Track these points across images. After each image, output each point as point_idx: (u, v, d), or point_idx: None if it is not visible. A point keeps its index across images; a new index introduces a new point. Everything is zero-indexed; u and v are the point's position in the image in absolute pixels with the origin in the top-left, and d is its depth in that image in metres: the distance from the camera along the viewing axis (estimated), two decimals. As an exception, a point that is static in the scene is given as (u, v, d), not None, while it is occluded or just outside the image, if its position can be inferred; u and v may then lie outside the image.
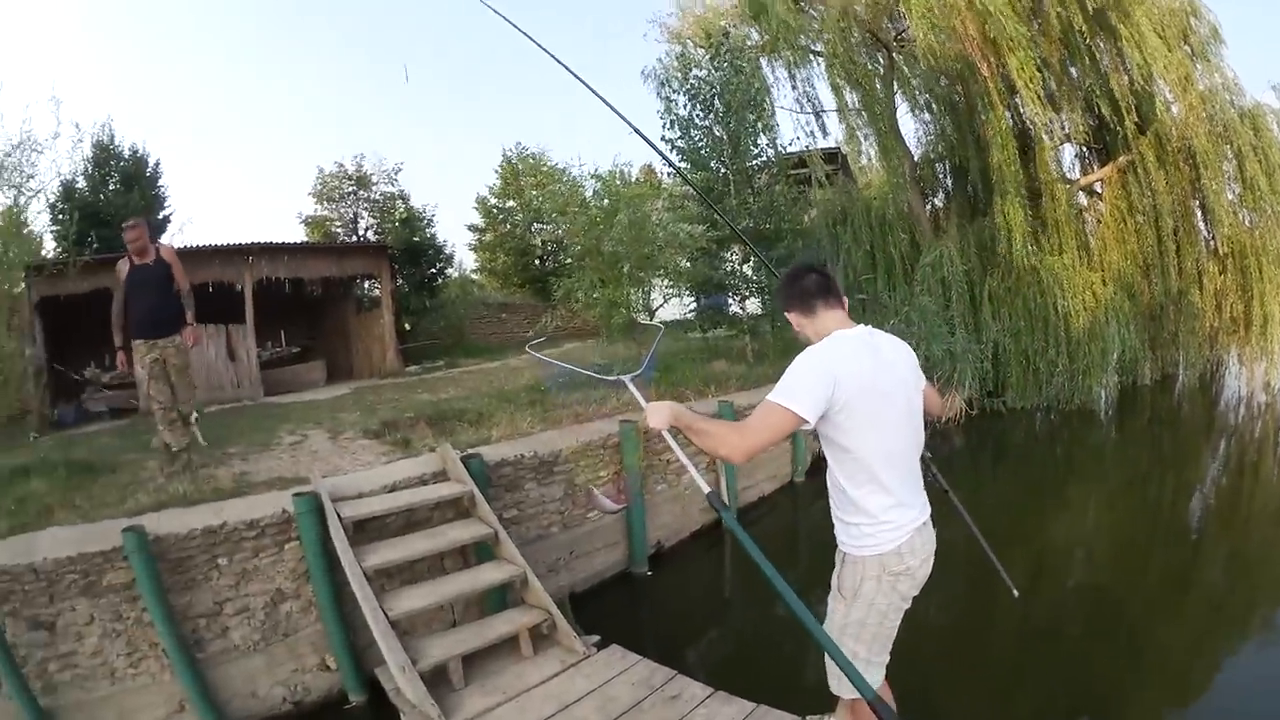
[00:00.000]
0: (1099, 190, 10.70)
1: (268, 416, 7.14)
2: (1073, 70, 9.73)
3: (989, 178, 9.85)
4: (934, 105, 10.77)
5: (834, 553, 1.84)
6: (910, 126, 12.06)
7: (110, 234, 10.81)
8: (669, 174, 11.49)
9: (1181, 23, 9.35)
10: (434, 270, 16.20)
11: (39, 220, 9.10)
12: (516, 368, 10.14)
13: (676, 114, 8.82)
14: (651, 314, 9.47)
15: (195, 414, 4.72)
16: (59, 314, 8.80)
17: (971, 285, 9.70)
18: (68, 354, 9.22)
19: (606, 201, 7.86)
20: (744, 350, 9.03)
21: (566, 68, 2.96)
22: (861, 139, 11.48)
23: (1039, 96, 9.05)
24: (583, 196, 8.19)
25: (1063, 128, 10.12)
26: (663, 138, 8.94)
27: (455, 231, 51.88)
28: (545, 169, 16.67)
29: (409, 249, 15.02)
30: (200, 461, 4.73)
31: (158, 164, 13.55)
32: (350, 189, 16.43)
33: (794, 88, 11.78)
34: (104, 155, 12.58)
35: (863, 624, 1.75)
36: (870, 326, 1.84)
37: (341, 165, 16.34)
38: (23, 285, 8.08)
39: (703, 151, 8.79)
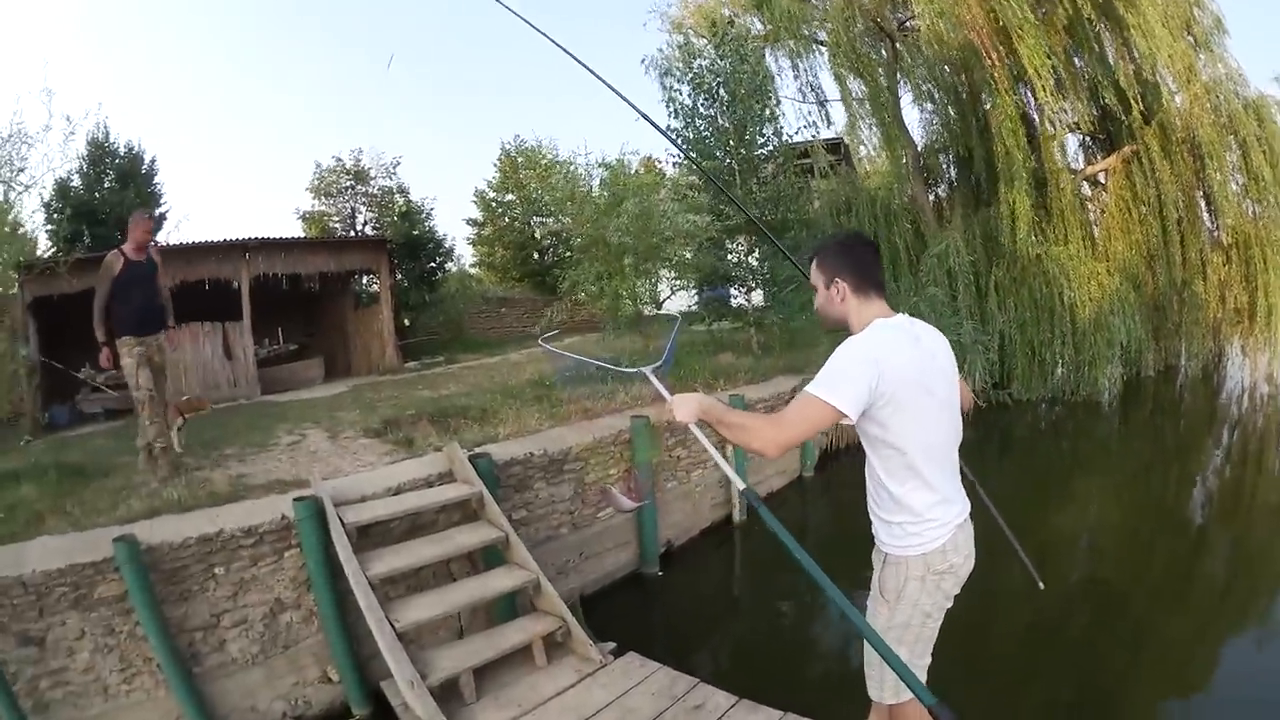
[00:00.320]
0: (1103, 180, 10.62)
1: (265, 415, 6.97)
2: (1077, 60, 9.64)
3: (994, 167, 9.75)
4: (938, 94, 10.69)
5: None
6: (914, 116, 11.96)
7: (105, 232, 10.64)
8: (673, 164, 11.30)
9: (1185, 13, 9.25)
10: (433, 264, 15.95)
11: (34, 219, 8.86)
12: (517, 363, 9.99)
13: (680, 103, 8.65)
14: (659, 306, 9.30)
15: (181, 418, 4.66)
16: (53, 314, 8.58)
17: (977, 276, 9.62)
18: (61, 354, 9.01)
19: (609, 193, 7.71)
20: (749, 342, 8.91)
21: (571, 55, 2.82)
22: (865, 129, 11.42)
23: (1048, 84, 8.93)
24: (588, 186, 8.02)
25: (1068, 117, 10.01)
26: (667, 127, 8.78)
27: (453, 227, 51.74)
28: (546, 161, 16.41)
29: (408, 242, 14.77)
30: (194, 464, 4.58)
31: (153, 161, 13.28)
32: (348, 183, 16.15)
33: (797, 77, 11.70)
34: (99, 153, 12.34)
35: (906, 626, 1.66)
36: (908, 314, 1.72)
37: (339, 160, 16.08)
38: (16, 287, 7.87)
39: (708, 141, 8.62)
